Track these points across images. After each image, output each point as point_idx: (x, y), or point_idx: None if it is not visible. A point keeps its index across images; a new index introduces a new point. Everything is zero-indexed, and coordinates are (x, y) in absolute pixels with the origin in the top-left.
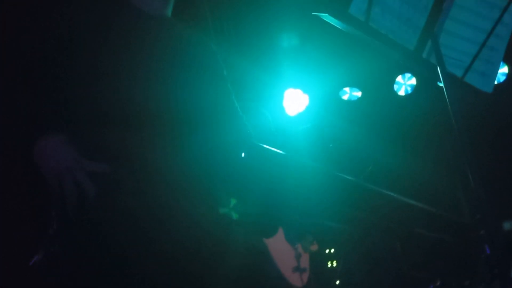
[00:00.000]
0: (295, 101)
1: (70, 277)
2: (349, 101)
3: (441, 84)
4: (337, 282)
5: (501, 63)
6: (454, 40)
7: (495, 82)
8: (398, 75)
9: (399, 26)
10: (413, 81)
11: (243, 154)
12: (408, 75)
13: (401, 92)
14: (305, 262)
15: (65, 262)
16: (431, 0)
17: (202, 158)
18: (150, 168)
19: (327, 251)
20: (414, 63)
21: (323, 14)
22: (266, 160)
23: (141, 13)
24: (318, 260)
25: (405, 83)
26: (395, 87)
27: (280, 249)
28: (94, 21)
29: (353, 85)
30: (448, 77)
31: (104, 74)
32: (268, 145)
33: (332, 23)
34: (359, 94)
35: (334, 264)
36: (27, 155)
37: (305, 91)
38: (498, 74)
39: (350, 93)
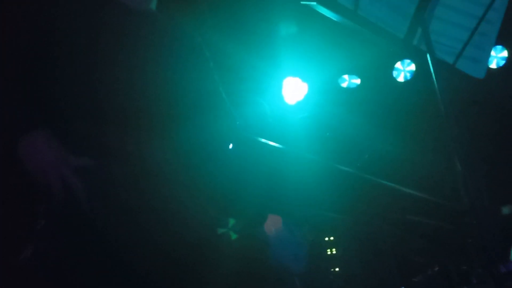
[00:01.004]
0: (294, 90)
1: (60, 274)
2: (348, 89)
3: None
4: (337, 269)
5: (501, 48)
6: (445, 27)
7: (494, 67)
8: (397, 61)
9: (389, 14)
10: (412, 67)
11: (230, 146)
12: (407, 61)
13: (400, 79)
14: (304, 250)
15: (54, 258)
16: None
17: (191, 151)
18: (140, 161)
19: (326, 238)
20: (404, 50)
21: (312, 2)
22: (257, 151)
23: (125, 7)
24: (318, 248)
25: (404, 70)
26: (394, 73)
27: (280, 238)
28: (79, 16)
29: (352, 72)
30: (438, 64)
31: (90, 69)
32: (266, 136)
33: (321, 12)
34: (358, 81)
35: (334, 251)
36: (12, 152)
37: (304, 79)
38: (497, 59)
39: (349, 81)
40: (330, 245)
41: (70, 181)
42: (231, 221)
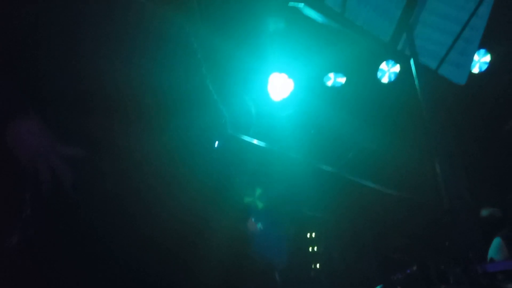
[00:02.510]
0: (280, 86)
1: (46, 261)
2: (333, 87)
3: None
4: (318, 266)
5: (484, 52)
6: (430, 32)
7: (477, 71)
8: (383, 61)
9: (375, 18)
10: (397, 68)
11: (216, 144)
12: (392, 62)
13: (385, 79)
14: (285, 245)
15: (40, 246)
16: None
17: (179, 144)
18: (128, 153)
19: (308, 235)
20: (388, 54)
21: (299, 4)
22: (242, 150)
23: None
24: (299, 244)
25: (388, 70)
26: (379, 74)
27: (262, 233)
28: (67, 4)
29: (337, 70)
30: (422, 68)
31: (78, 58)
32: (251, 133)
33: (308, 14)
34: (343, 80)
35: (316, 248)
36: None
37: (290, 76)
38: (480, 63)
39: (335, 79)
40: (312, 242)
41: (59, 169)
42: (258, 191)
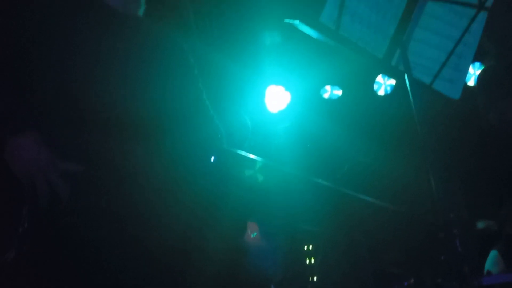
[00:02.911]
0: (277, 98)
1: (44, 276)
2: (330, 100)
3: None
4: (315, 278)
5: (479, 65)
6: (423, 48)
7: (472, 84)
8: (379, 74)
9: (369, 34)
10: (393, 81)
11: (212, 158)
12: None
13: (381, 92)
14: (281, 258)
15: (38, 260)
16: (401, 9)
17: (175, 159)
18: (123, 168)
19: (305, 247)
20: (382, 70)
21: (295, 21)
22: (238, 164)
23: (112, 10)
24: (296, 256)
25: (384, 83)
26: (375, 86)
27: (257, 245)
28: (67, 19)
29: (334, 83)
30: (415, 84)
31: (78, 74)
32: (246, 147)
33: (304, 31)
34: (339, 92)
35: (313, 260)
36: None
37: (287, 88)
38: (476, 76)
39: (331, 92)
40: (309, 254)
41: (56, 184)
42: (258, 163)
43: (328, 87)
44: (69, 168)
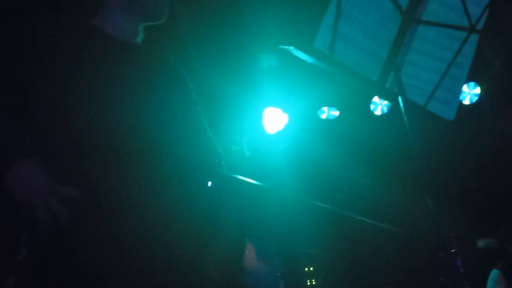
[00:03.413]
0: (274, 120)
1: None
2: (327, 120)
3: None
4: None
5: (474, 84)
6: (416, 70)
7: (468, 103)
8: (375, 95)
9: (363, 58)
10: None
11: (209, 184)
12: None
13: (377, 112)
14: (279, 281)
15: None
16: (393, 32)
17: (173, 185)
18: (121, 194)
19: (306, 269)
20: (377, 93)
21: (289, 47)
22: (236, 189)
23: (111, 38)
24: (297, 278)
25: (381, 103)
26: (372, 106)
27: (257, 268)
28: (67, 46)
29: (331, 104)
30: (410, 106)
31: (76, 101)
32: (245, 168)
33: (299, 56)
34: (337, 113)
35: (314, 282)
36: None
37: (284, 110)
38: (470, 95)
39: (328, 112)
40: (310, 275)
41: (56, 210)
42: (245, 139)
43: (325, 108)
44: (69, 194)
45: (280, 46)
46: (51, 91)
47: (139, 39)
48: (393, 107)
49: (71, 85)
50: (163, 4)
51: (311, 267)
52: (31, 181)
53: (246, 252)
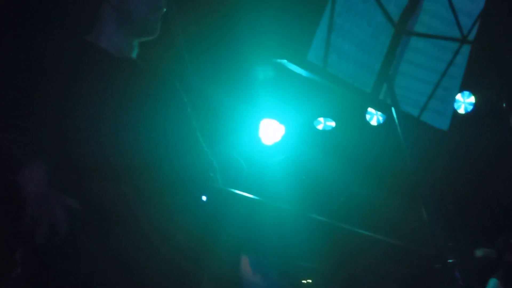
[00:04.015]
0: (271, 131)
1: None
2: (323, 131)
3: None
4: None
5: (468, 93)
6: (409, 81)
7: (463, 112)
8: (369, 106)
9: (356, 71)
10: None
11: (204, 198)
12: None
13: (373, 122)
14: None
15: None
16: (386, 44)
17: (168, 199)
18: (116, 210)
19: (304, 281)
20: (371, 104)
21: (283, 60)
22: (231, 203)
23: (108, 55)
24: None
25: (376, 113)
26: (367, 117)
27: (253, 280)
28: (64, 63)
29: (327, 115)
30: (404, 117)
31: (72, 117)
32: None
33: (292, 69)
34: (333, 124)
35: None
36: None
37: (281, 121)
38: (465, 104)
39: (325, 123)
40: (308, 287)
41: (58, 216)
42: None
43: (321, 119)
44: (71, 205)
45: (274, 60)
46: (47, 106)
47: (134, 54)
48: (389, 118)
49: (67, 100)
50: (155, 20)
51: (308, 279)
52: (41, 185)
53: (242, 265)
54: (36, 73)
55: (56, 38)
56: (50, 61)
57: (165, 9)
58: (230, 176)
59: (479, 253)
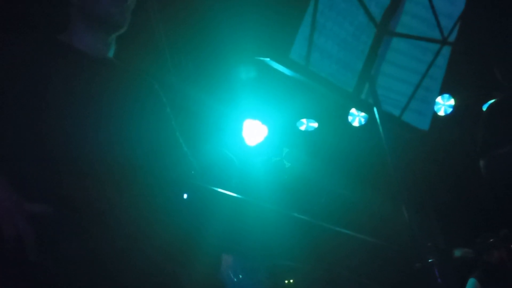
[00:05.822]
0: (254, 132)
1: None
2: (306, 132)
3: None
4: None
5: (448, 96)
6: (391, 82)
7: (442, 114)
8: (351, 105)
9: (338, 70)
10: None
11: (185, 196)
12: None
13: (355, 123)
14: None
15: None
16: (367, 45)
17: (148, 198)
18: (96, 209)
19: (286, 281)
20: (352, 103)
21: (266, 59)
22: (213, 201)
23: (83, 55)
24: None
25: (358, 115)
26: (350, 118)
27: (236, 281)
28: (39, 64)
29: (310, 116)
30: (385, 117)
31: (50, 118)
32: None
33: (275, 67)
34: (315, 125)
35: None
36: None
37: (263, 122)
38: (445, 106)
39: (307, 124)
40: (290, 287)
41: (22, 229)
42: (285, 150)
43: (304, 120)
44: (38, 211)
45: (257, 58)
46: (23, 108)
47: (110, 52)
48: (370, 119)
49: (44, 102)
50: (119, 13)
51: (291, 279)
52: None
53: (225, 265)
54: (11, 74)
55: (31, 39)
56: (26, 62)
57: (129, 1)
58: (222, 171)
59: (457, 253)
